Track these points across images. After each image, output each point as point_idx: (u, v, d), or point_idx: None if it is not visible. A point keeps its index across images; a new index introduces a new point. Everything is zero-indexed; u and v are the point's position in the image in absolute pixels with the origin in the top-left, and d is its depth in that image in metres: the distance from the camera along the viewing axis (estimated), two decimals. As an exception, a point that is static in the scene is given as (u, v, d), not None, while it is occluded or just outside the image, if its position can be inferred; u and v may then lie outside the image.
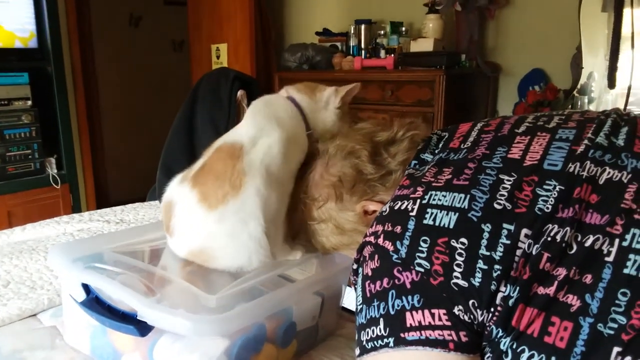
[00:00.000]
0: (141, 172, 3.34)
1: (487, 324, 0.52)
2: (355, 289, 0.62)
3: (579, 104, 2.24)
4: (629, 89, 2.11)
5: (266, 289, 0.76)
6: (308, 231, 0.77)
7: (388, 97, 2.33)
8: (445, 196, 0.58)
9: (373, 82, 2.38)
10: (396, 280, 0.56)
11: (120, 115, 3.76)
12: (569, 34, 2.23)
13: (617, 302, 0.48)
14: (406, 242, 0.56)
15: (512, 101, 2.47)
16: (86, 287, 0.70)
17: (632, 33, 2.09)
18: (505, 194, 0.55)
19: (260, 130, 0.73)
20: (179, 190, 0.74)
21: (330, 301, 0.81)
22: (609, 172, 0.54)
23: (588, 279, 0.49)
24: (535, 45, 2.39)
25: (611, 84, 2.18)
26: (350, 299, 0.87)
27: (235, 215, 0.69)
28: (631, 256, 0.49)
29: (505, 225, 0.53)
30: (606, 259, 0.49)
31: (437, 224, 0.56)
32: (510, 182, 0.56)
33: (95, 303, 0.68)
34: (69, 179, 2.64)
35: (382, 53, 2.52)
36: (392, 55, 2.43)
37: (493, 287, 0.52)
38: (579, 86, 2.24)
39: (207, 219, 0.69)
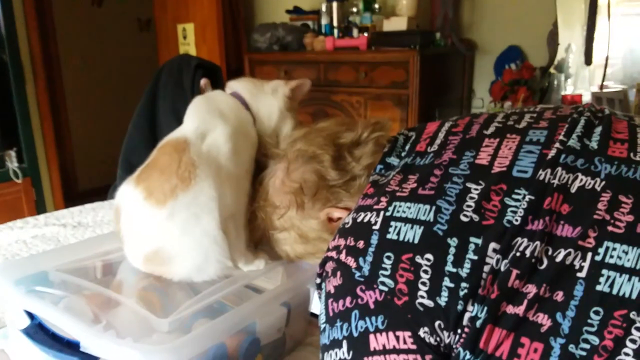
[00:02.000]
0: (111, 157, 3.23)
1: (454, 346, 0.50)
2: (320, 301, 0.59)
3: (556, 81, 2.22)
4: (607, 59, 2.09)
5: (229, 303, 0.71)
6: (271, 240, 0.73)
7: (362, 79, 2.27)
8: (409, 208, 0.54)
9: (346, 63, 2.31)
10: (359, 300, 0.53)
11: (87, 99, 3.60)
12: (545, 10, 2.19)
13: (589, 321, 0.45)
14: (369, 258, 0.53)
15: (488, 80, 2.44)
16: (29, 313, 0.65)
17: (609, 3, 2.06)
18: (472, 204, 0.52)
19: (203, 124, 0.69)
20: (123, 190, 0.69)
21: (298, 309, 0.78)
22: (581, 179, 0.51)
23: (559, 296, 0.47)
24: (511, 21, 2.35)
25: (588, 59, 2.16)
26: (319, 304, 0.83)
27: (187, 209, 0.65)
28: (604, 272, 0.46)
29: (472, 239, 0.50)
30: (578, 274, 0.47)
31: (401, 238, 0.52)
32: (477, 192, 0.52)
33: (38, 330, 0.63)
34: (31, 172, 2.54)
35: (355, 32, 2.44)
36: (365, 34, 2.36)
37: (460, 307, 0.49)
38: (555, 62, 2.21)
39: (157, 216, 0.65)
